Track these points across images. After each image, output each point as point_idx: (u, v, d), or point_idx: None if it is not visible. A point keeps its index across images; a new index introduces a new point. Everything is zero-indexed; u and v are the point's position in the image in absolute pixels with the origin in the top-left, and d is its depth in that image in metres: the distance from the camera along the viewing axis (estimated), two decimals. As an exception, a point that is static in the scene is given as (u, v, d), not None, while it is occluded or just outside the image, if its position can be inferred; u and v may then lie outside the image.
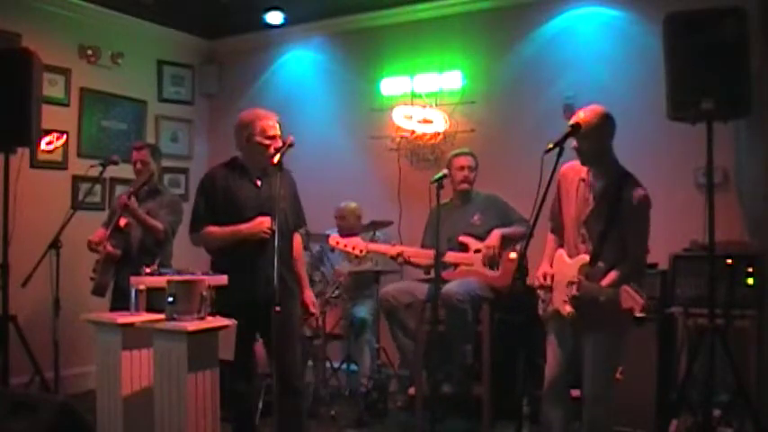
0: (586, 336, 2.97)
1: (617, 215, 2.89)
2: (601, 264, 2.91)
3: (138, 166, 4.34)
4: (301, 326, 3.66)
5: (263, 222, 3.21)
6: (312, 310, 3.53)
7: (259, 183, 3.34)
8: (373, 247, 4.31)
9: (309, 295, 3.52)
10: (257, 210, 3.26)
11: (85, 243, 4.21)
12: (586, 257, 2.91)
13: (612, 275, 2.87)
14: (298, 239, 3.52)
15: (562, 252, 3.07)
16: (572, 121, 2.93)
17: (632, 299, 2.73)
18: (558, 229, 3.18)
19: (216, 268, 3.29)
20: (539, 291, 3.11)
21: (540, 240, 3.16)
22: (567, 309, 2.92)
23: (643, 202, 2.89)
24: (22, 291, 4.00)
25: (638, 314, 2.75)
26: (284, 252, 3.18)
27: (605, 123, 2.95)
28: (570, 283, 2.91)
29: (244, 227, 3.23)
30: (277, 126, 3.34)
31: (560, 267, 3.03)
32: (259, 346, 3.60)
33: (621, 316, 2.91)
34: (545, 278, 3.06)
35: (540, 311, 3.13)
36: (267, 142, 3.28)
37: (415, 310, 4.18)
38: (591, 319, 2.91)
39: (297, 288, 3.43)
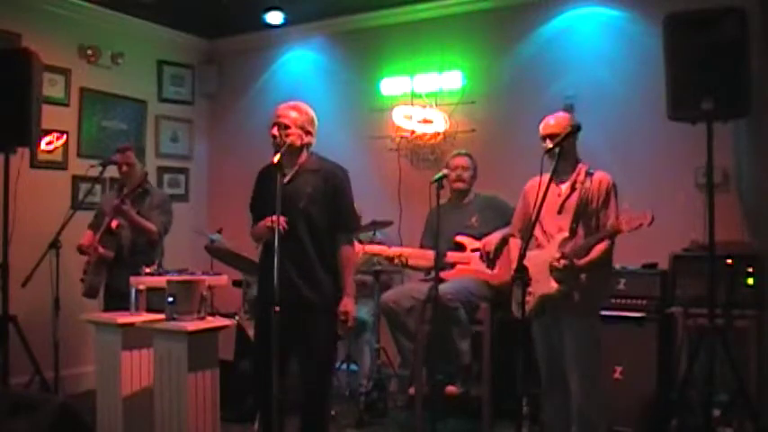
0: (565, 324, 3.10)
1: (587, 199, 3.12)
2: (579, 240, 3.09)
3: (125, 168, 4.26)
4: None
5: (269, 219, 2.95)
6: (345, 321, 3.06)
7: (288, 180, 3.07)
8: (370, 249, 4.32)
9: (345, 304, 3.05)
10: (280, 207, 2.96)
11: (86, 243, 4.22)
12: (565, 233, 3.10)
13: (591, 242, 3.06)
14: (344, 247, 3.11)
15: (529, 252, 2.95)
16: (544, 131, 3.16)
17: (637, 217, 2.84)
18: (524, 233, 3.30)
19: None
20: (514, 292, 3.19)
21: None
22: (554, 285, 3.04)
23: (606, 184, 3.13)
24: (22, 291, 4.01)
25: (649, 225, 2.83)
26: (297, 256, 2.95)
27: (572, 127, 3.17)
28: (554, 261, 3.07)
29: (259, 225, 3.06)
30: (281, 118, 3.19)
31: (534, 262, 3.01)
32: None
33: (593, 298, 3.13)
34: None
35: (515, 312, 3.18)
36: (272, 136, 3.15)
37: (417, 313, 4.17)
38: (566, 305, 3.07)
39: (321, 299, 3.04)
